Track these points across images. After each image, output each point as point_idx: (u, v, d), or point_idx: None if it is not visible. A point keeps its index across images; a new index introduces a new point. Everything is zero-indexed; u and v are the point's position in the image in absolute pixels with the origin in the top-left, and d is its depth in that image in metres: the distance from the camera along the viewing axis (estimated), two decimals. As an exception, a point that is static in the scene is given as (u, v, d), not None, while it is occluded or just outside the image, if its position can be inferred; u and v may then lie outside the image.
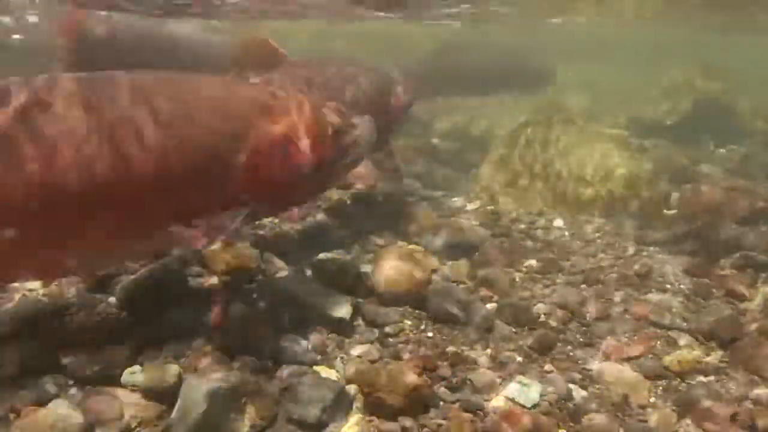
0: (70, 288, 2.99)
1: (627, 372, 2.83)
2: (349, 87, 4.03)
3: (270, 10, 7.17)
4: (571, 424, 2.48)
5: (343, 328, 2.98)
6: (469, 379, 2.68)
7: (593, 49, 12.77)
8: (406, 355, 2.80)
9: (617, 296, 3.60)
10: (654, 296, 3.61)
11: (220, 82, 2.65)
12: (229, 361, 2.60)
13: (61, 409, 2.23)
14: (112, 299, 2.87)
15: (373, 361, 2.75)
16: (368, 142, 2.82)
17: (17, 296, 2.95)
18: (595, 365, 2.90)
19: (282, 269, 3.52)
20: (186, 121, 2.27)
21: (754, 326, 3.25)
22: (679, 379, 2.84)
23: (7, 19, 8.07)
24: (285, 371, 2.61)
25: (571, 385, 2.72)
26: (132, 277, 2.93)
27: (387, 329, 3.03)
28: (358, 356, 2.81)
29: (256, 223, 3.77)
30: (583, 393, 2.69)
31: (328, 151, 2.62)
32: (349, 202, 4.58)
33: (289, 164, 2.50)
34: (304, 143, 2.53)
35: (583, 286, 3.74)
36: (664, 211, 4.97)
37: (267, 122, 2.46)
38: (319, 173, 2.63)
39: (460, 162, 6.68)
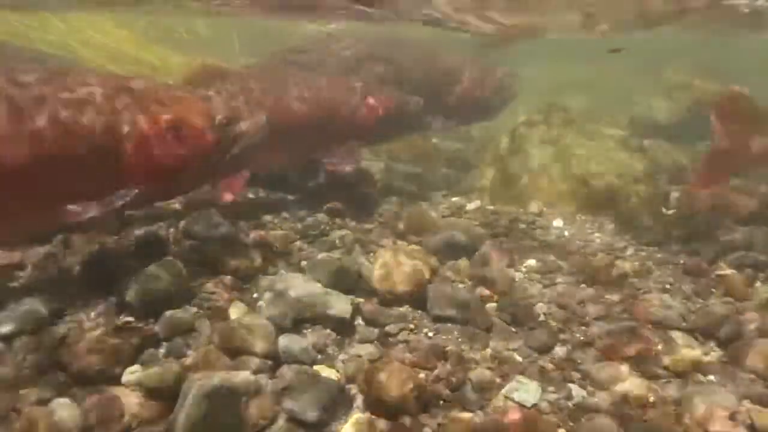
0: (70, 288, 3.00)
1: (626, 372, 2.84)
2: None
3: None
4: (571, 423, 2.48)
5: (343, 328, 2.99)
6: (469, 379, 2.69)
7: (593, 49, 12.77)
8: (406, 355, 2.81)
9: (617, 296, 3.61)
10: (654, 296, 3.61)
11: (113, 75, 2.91)
12: (229, 360, 2.61)
13: (61, 409, 2.24)
14: (113, 298, 2.88)
15: (373, 361, 2.75)
16: (258, 135, 3.03)
17: (17, 295, 2.95)
18: (594, 365, 2.91)
19: (282, 269, 3.53)
20: (77, 109, 2.50)
21: (753, 326, 3.26)
22: (678, 379, 2.84)
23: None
24: (285, 371, 2.61)
25: (570, 385, 2.73)
26: (132, 277, 2.93)
27: (387, 329, 3.03)
28: (358, 356, 2.81)
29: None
30: (583, 393, 2.70)
31: (214, 140, 2.84)
32: (349, 202, 4.58)
33: (175, 150, 2.72)
34: (191, 131, 2.76)
35: (583, 286, 3.75)
36: (664, 211, 4.97)
37: (154, 111, 2.68)
38: (206, 161, 2.87)
39: (460, 162, 6.68)
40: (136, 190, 2.66)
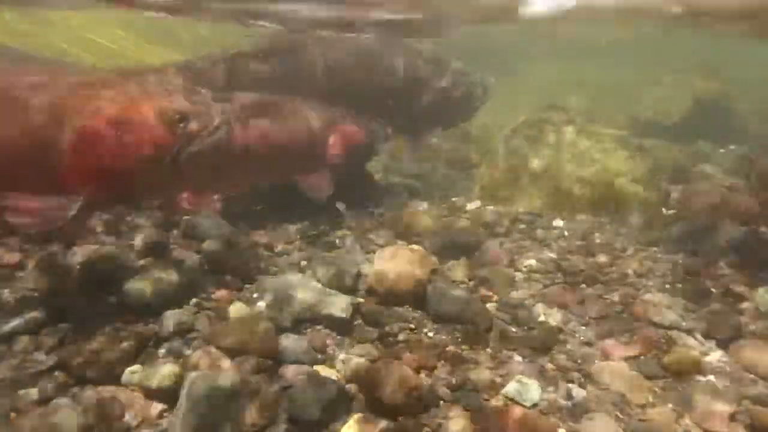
0: (70, 287, 3.00)
1: (626, 371, 2.84)
2: None
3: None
4: (571, 423, 2.48)
5: (343, 328, 2.99)
6: (469, 379, 2.69)
7: (593, 49, 12.79)
8: (406, 355, 2.81)
9: (617, 296, 3.61)
10: (653, 296, 3.62)
11: (52, 65, 2.60)
12: (229, 360, 2.61)
13: (61, 408, 2.24)
14: (113, 298, 2.88)
15: (373, 361, 2.75)
16: (218, 134, 2.64)
17: (17, 295, 2.95)
18: (594, 365, 2.91)
19: (282, 269, 3.53)
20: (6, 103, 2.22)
21: (753, 326, 3.27)
22: (678, 379, 2.84)
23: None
24: (285, 371, 2.61)
25: (570, 385, 2.73)
26: (132, 277, 2.94)
27: (387, 329, 3.03)
28: (358, 356, 2.81)
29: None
30: (583, 393, 2.69)
31: (168, 138, 2.45)
32: (349, 202, 4.59)
33: (120, 151, 2.35)
34: (139, 129, 2.39)
35: (582, 285, 3.75)
36: (664, 211, 4.98)
37: (97, 105, 2.35)
38: (157, 162, 2.47)
39: (460, 162, 6.68)
40: (80, 199, 2.31)
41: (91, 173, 2.33)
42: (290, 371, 2.61)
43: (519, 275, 3.87)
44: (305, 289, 3.08)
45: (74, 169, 2.30)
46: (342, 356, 2.82)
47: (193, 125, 2.50)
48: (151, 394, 2.38)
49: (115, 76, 2.58)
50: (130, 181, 2.50)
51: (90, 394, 2.35)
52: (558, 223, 4.87)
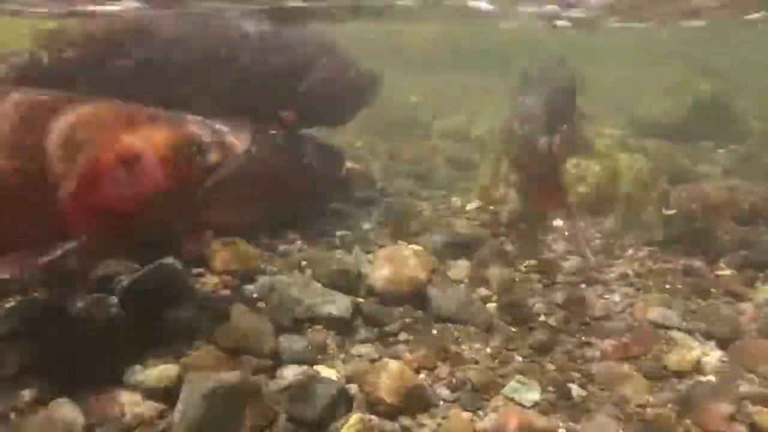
0: (70, 288, 3.00)
1: (626, 371, 2.84)
2: None
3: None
4: (571, 423, 2.48)
5: (343, 328, 2.99)
6: (469, 379, 2.69)
7: (592, 48, 12.79)
8: (406, 355, 2.81)
9: (617, 296, 3.61)
10: (653, 296, 3.62)
11: (49, 94, 2.25)
12: (229, 360, 2.61)
13: (61, 408, 2.24)
14: (113, 299, 2.88)
15: (373, 361, 2.76)
16: (240, 157, 2.40)
17: (17, 296, 2.95)
18: (594, 365, 2.91)
19: (282, 269, 3.53)
20: None
21: (753, 326, 3.27)
22: (678, 379, 2.84)
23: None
24: (285, 371, 2.61)
25: (570, 385, 2.73)
26: (132, 277, 2.94)
27: (387, 329, 3.03)
28: (358, 356, 2.81)
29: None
30: (583, 392, 2.69)
31: (186, 173, 2.23)
32: (349, 202, 4.59)
33: (130, 190, 2.12)
34: (150, 165, 2.15)
35: (582, 285, 3.75)
36: (664, 211, 4.97)
37: (103, 139, 2.11)
38: (176, 198, 2.26)
39: (460, 162, 6.68)
40: (73, 243, 2.07)
41: (97, 217, 2.12)
42: (290, 371, 2.61)
43: (519, 275, 3.86)
44: (305, 289, 3.08)
45: (78, 212, 2.08)
46: (342, 356, 2.82)
47: (210, 158, 2.29)
48: (151, 394, 2.38)
49: (120, 105, 2.30)
50: (139, 222, 2.27)
51: (90, 393, 2.35)
52: (558, 223, 4.87)
